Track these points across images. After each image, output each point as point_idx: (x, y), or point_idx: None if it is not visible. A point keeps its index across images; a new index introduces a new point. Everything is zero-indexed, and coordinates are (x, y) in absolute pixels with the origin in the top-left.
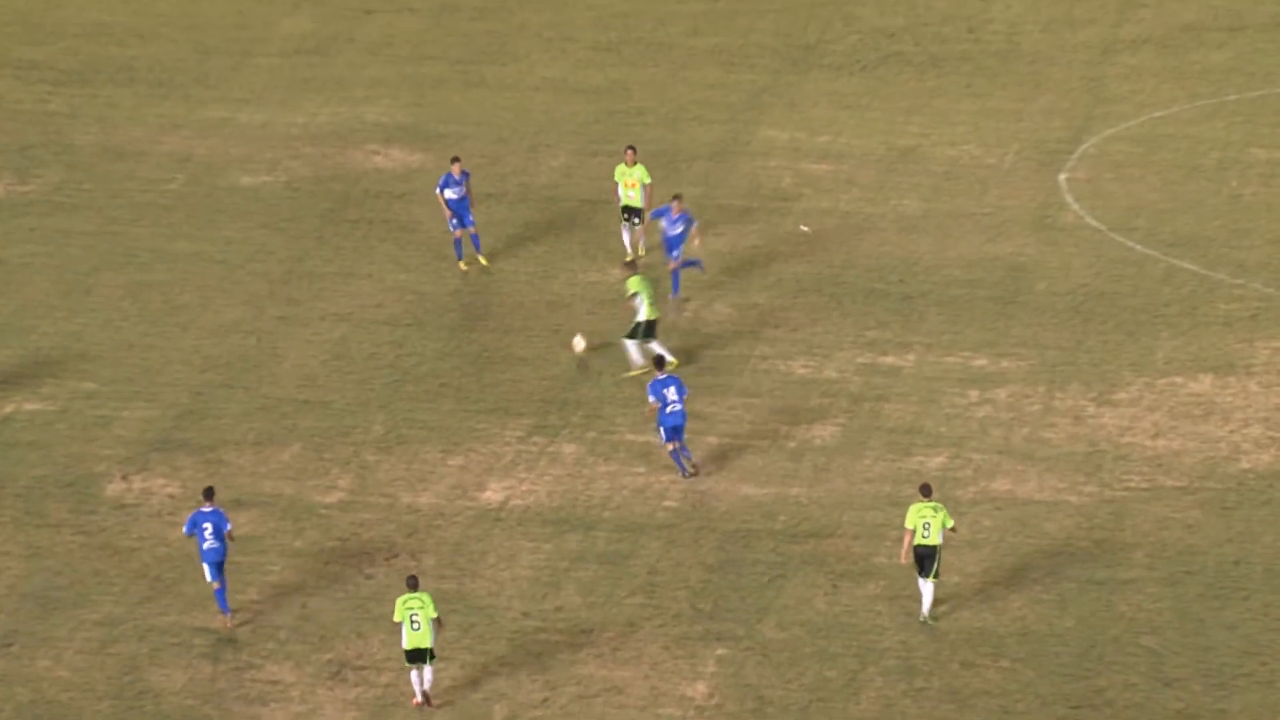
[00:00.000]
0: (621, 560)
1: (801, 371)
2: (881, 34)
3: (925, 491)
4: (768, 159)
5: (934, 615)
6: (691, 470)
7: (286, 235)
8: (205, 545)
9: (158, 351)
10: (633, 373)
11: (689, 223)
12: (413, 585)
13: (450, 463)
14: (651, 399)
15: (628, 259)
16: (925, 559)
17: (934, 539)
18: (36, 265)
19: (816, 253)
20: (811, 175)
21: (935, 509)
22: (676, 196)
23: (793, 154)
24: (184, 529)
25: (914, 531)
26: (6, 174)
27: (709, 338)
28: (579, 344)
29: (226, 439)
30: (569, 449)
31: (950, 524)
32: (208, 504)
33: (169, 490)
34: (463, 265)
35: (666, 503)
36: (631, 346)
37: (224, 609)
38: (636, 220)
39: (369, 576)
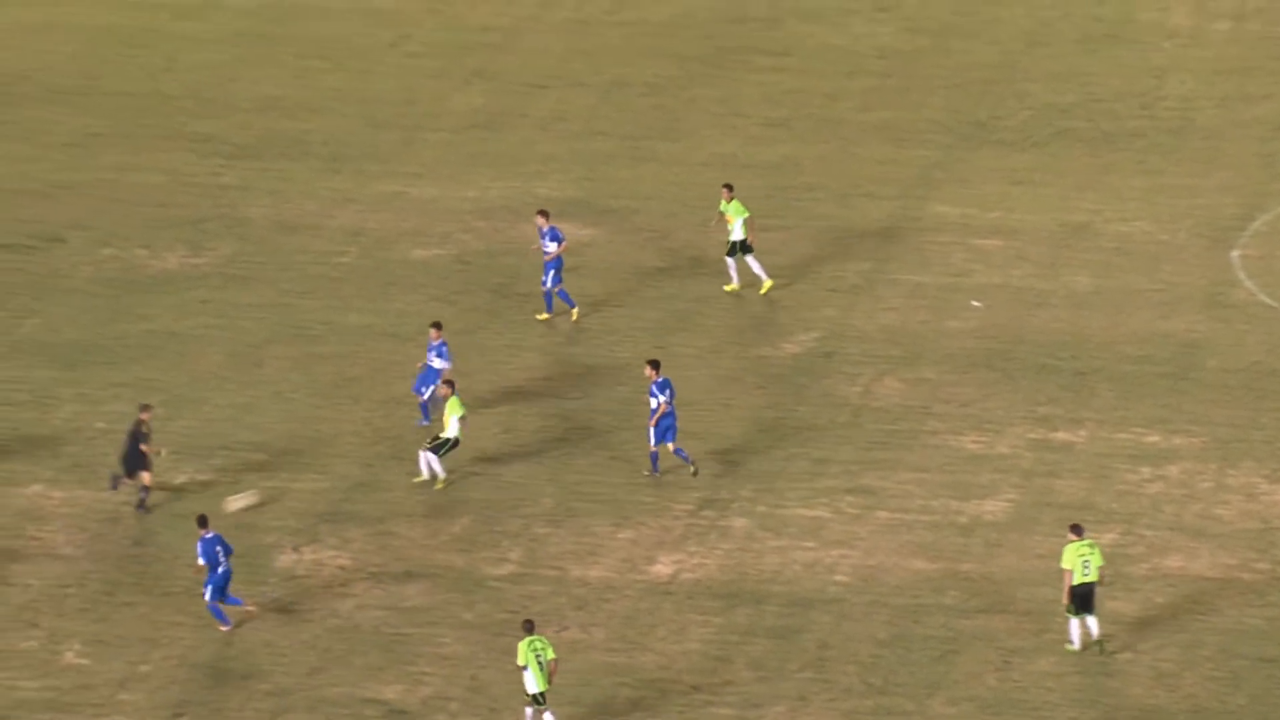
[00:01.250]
0: (791, 634)
1: (972, 447)
2: (1054, 109)
3: (1077, 531)
4: (939, 234)
5: (1105, 641)
6: (692, 471)
7: (457, 308)
8: (220, 569)
9: (328, 424)
10: None
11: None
12: (529, 629)
13: (620, 536)
14: (664, 399)
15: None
16: (1086, 596)
17: (1093, 576)
18: (209, 337)
19: (988, 328)
20: (983, 251)
21: (1091, 546)
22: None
23: (964, 230)
24: (201, 559)
25: (1073, 571)
26: (180, 247)
27: (879, 412)
28: (235, 503)
29: (397, 511)
30: (739, 523)
31: (1102, 562)
32: (207, 531)
33: (339, 562)
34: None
35: (837, 577)
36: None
37: (223, 617)
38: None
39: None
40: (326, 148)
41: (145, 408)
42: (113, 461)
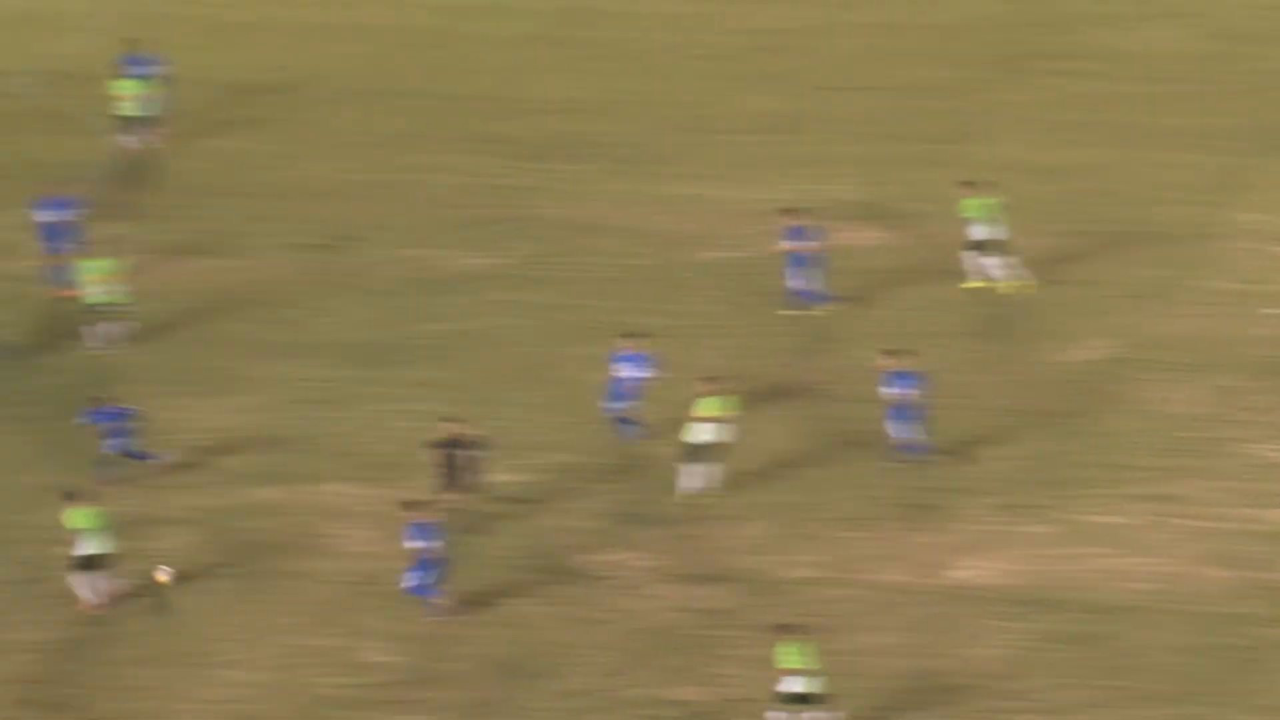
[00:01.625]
0: (1090, 641)
1: (1272, 455)
2: None
3: None
4: (1237, 241)
5: None
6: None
7: (743, 310)
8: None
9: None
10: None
11: None
12: (787, 631)
13: (918, 540)
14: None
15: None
16: None
17: None
18: (505, 337)
19: None
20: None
21: None
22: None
23: (1263, 236)
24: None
25: None
26: (476, 247)
27: (1177, 419)
28: (163, 574)
29: (696, 513)
30: (1037, 528)
31: None
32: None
33: (639, 563)
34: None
35: (1135, 584)
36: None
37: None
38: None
39: (835, 654)
40: (619, 149)
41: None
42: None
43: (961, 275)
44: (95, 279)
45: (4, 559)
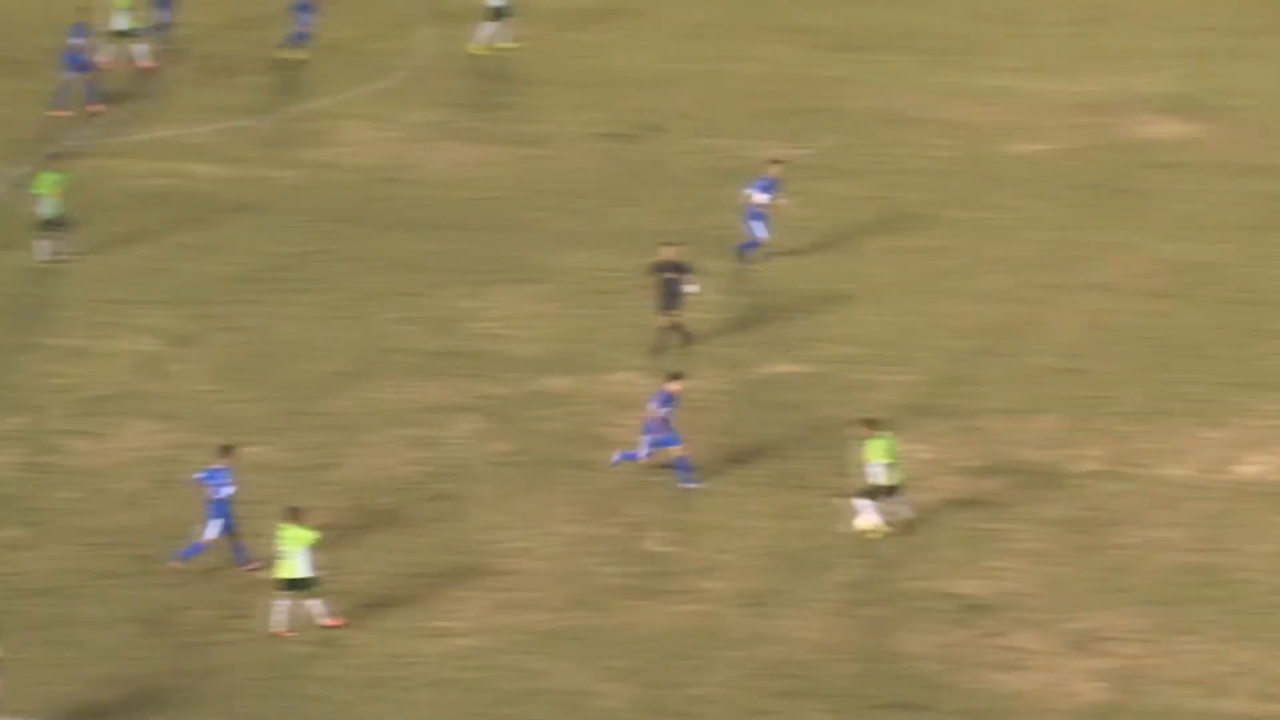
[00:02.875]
0: None
1: None
2: None
3: None
4: None
5: None
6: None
7: (1058, 204)
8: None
9: (921, 316)
10: None
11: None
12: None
13: (1208, 435)
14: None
15: None
16: None
17: None
18: (808, 229)
19: None
20: None
21: None
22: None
23: None
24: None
25: None
26: (781, 138)
27: None
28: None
29: (985, 406)
30: None
31: None
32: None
33: (923, 455)
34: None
35: None
36: None
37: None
38: None
39: (1118, 548)
40: (931, 41)
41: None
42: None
43: None
44: (50, 192)
45: None
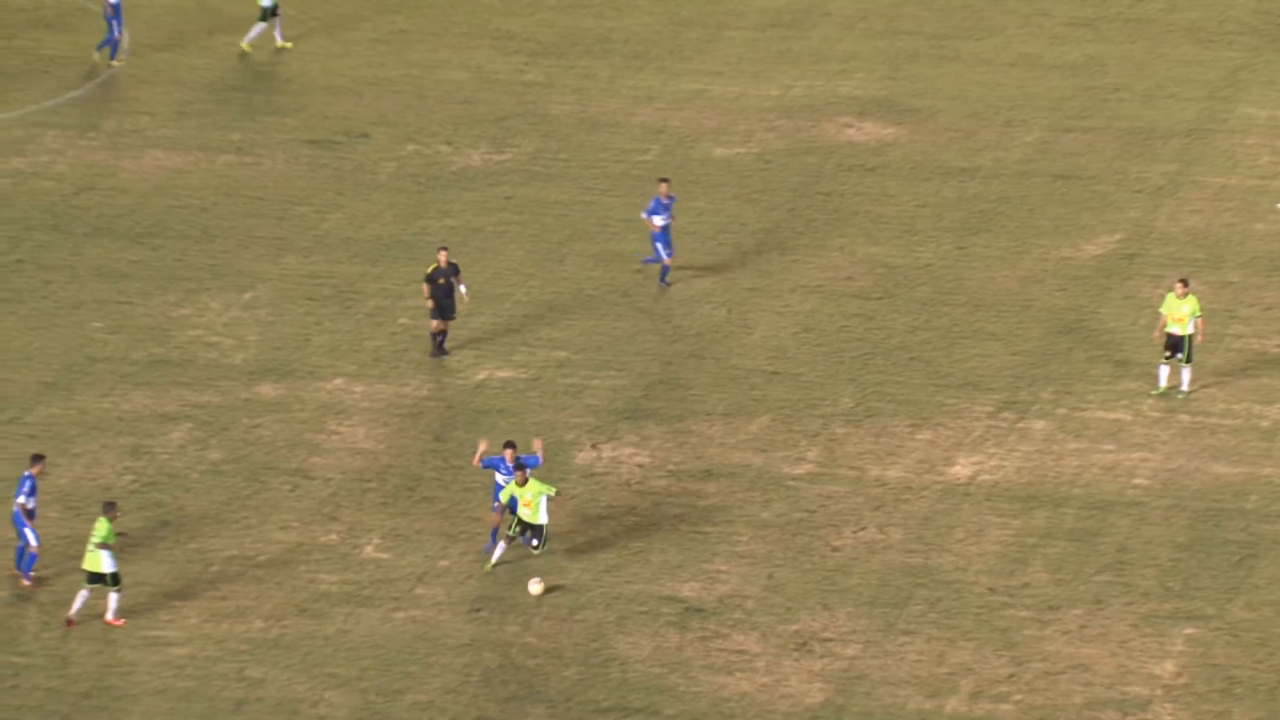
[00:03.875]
0: (1090, 537)
1: (1277, 351)
2: None
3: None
4: (1245, 136)
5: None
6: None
7: (759, 207)
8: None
9: (628, 321)
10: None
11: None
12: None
13: (919, 437)
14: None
15: (1154, 392)
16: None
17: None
18: (511, 234)
19: None
20: None
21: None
22: (664, 180)
23: (1271, 132)
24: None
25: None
26: (483, 143)
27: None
28: (534, 587)
29: (695, 409)
30: (1038, 425)
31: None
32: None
33: (638, 459)
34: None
35: (1136, 480)
36: None
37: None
38: (1179, 356)
39: (836, 549)
40: (629, 45)
41: (442, 249)
42: (416, 355)
43: None
44: None
45: None
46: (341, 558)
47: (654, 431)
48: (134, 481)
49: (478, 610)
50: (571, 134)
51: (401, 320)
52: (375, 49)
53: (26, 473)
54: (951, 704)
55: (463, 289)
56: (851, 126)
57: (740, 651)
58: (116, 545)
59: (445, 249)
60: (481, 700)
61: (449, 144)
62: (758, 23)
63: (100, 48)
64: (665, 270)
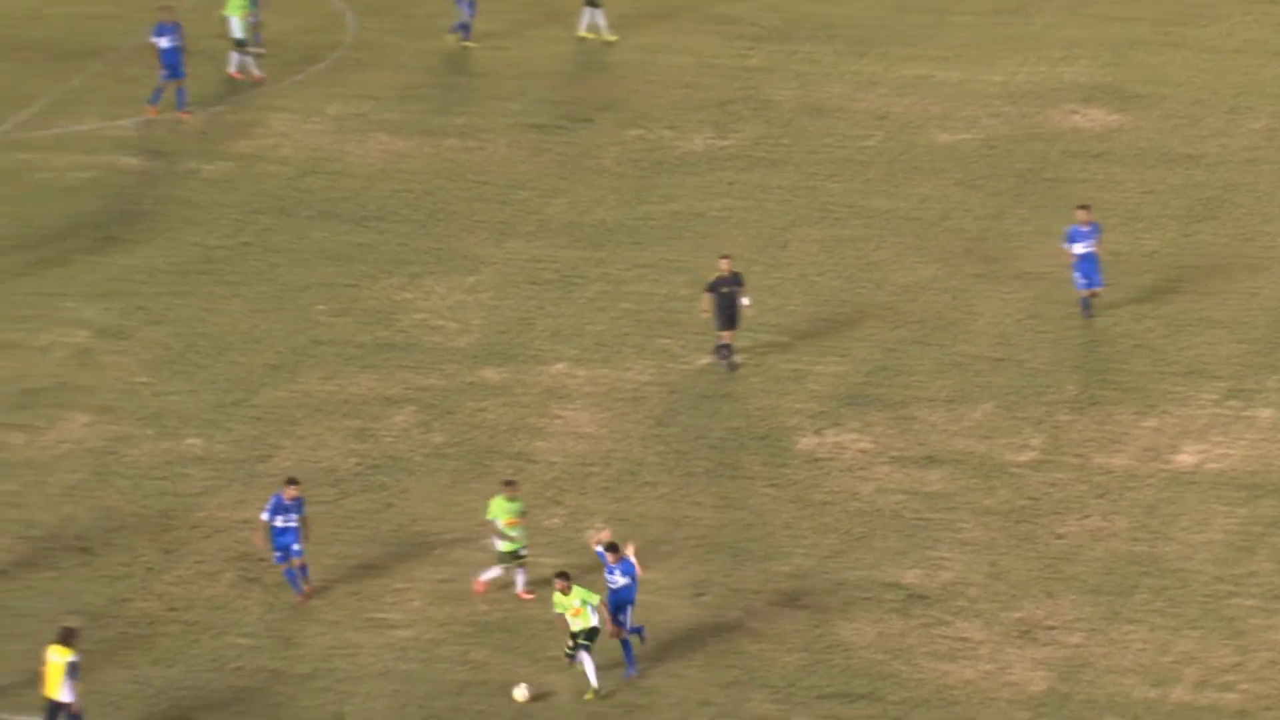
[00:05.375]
0: None
1: None
2: None
3: None
4: None
5: None
6: None
7: (983, 193)
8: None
9: (851, 307)
10: None
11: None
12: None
13: (1144, 424)
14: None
15: None
16: None
17: None
18: (734, 219)
19: None
20: None
21: None
22: (1083, 207)
23: None
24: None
25: None
26: (706, 128)
27: None
28: (520, 693)
29: (919, 396)
30: (1265, 413)
31: None
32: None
33: (860, 445)
34: None
35: None
36: None
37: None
38: None
39: (1060, 537)
40: (852, 31)
41: (724, 257)
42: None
43: None
44: None
45: None
46: (564, 541)
47: (877, 418)
48: (358, 464)
49: (700, 594)
50: (794, 119)
51: (623, 305)
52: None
53: (277, 493)
54: (1176, 693)
55: (745, 300)
56: (1076, 113)
57: (963, 639)
58: (518, 521)
59: (728, 257)
60: (704, 685)
61: (672, 129)
62: (981, 8)
63: (453, 30)
64: (1085, 302)
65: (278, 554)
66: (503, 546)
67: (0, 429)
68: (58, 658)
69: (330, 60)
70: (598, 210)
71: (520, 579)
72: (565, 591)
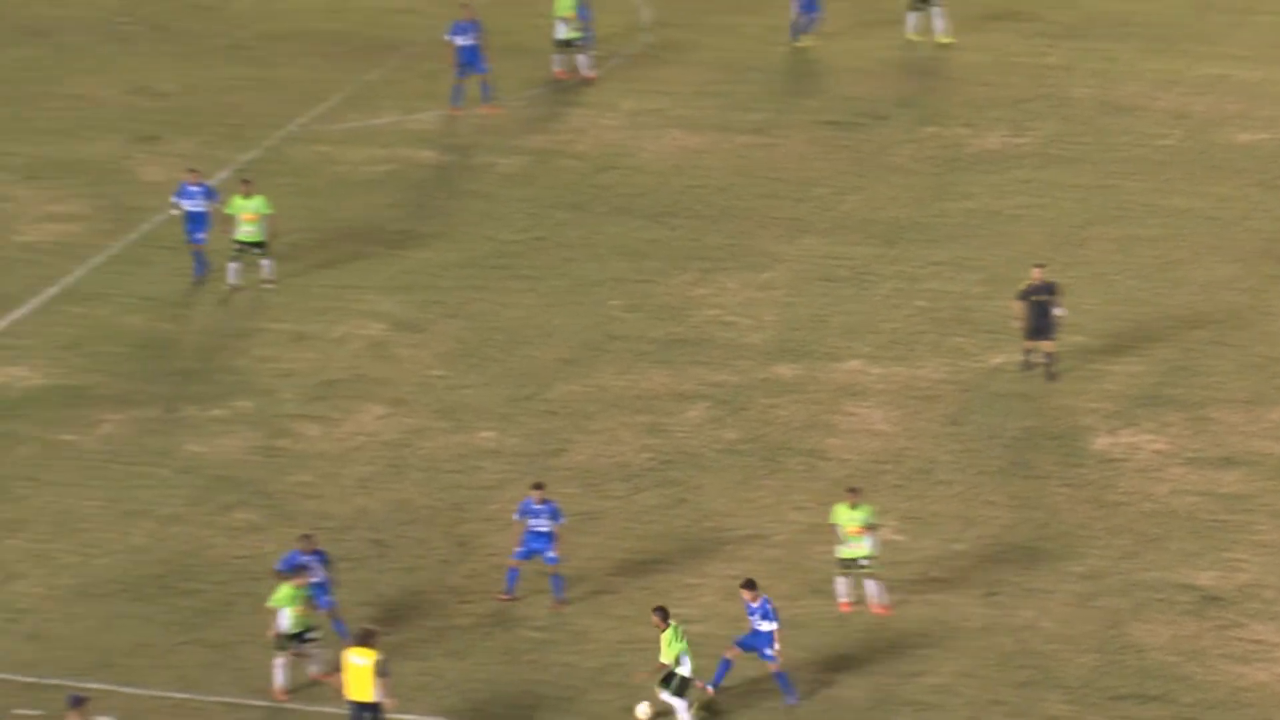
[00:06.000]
0: None
1: None
2: None
3: None
4: None
5: None
6: None
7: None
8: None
9: (1149, 306)
10: None
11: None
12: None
13: None
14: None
15: None
16: None
17: None
18: (1029, 217)
19: None
20: None
21: None
22: None
23: None
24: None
25: None
26: (1002, 126)
27: None
28: (643, 711)
29: (1216, 396)
30: None
31: None
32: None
33: (1156, 446)
34: None
35: None
36: None
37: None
38: None
39: None
40: (1152, 28)
41: (1038, 265)
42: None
43: None
44: (243, 215)
45: None
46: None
47: (1173, 418)
48: (651, 459)
49: (993, 594)
50: (1092, 117)
51: (918, 302)
52: (895, 30)
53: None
54: None
55: (1058, 310)
56: None
57: (1259, 641)
58: (861, 531)
59: (1041, 265)
60: (997, 685)
61: (968, 126)
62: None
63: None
64: None
65: (519, 550)
66: (841, 554)
67: (296, 420)
68: (361, 660)
69: (627, 56)
70: (892, 208)
71: (874, 590)
72: (661, 629)
